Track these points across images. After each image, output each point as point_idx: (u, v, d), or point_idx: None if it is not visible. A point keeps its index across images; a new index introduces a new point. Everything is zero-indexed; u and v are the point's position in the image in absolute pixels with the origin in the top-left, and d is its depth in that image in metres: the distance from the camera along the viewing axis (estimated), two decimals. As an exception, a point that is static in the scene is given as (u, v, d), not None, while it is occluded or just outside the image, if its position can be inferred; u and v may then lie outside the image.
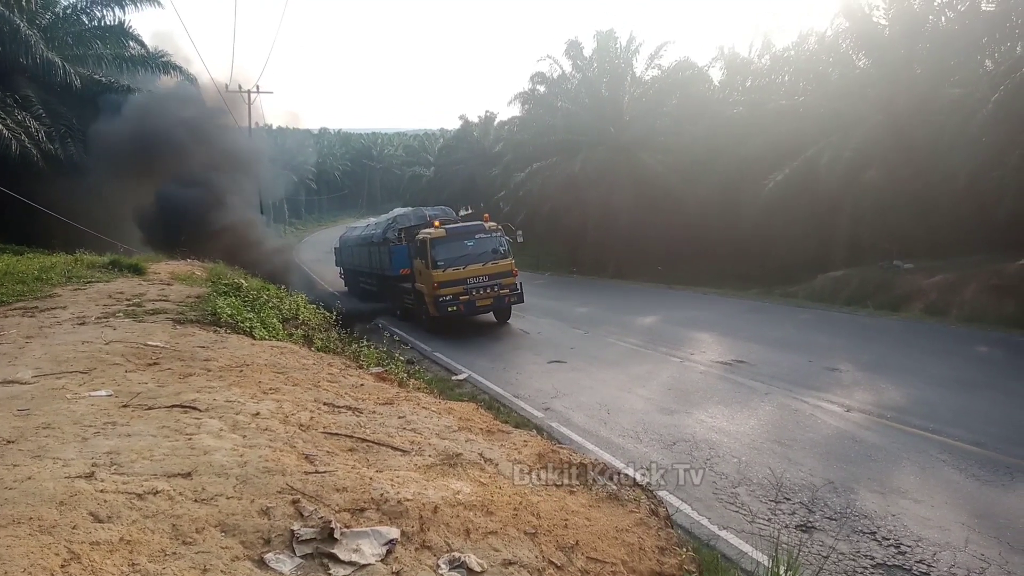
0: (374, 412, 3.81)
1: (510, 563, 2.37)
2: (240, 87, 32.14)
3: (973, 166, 16.85)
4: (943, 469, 7.19)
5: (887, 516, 6.23)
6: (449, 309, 15.98)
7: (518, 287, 16.82)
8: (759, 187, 22.18)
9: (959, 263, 16.52)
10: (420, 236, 17.08)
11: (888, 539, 5.87)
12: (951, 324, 14.56)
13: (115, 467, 2.87)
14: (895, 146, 19.42)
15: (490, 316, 17.89)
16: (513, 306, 17.41)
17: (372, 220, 27.29)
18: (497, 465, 3.24)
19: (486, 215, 17.68)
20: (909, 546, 5.73)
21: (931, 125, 18.71)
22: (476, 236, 16.63)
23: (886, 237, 19.14)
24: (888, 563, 5.53)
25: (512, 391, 11.46)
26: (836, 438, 8.26)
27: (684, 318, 17.13)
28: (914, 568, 5.43)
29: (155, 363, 4.90)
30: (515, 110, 39.18)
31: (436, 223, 17.18)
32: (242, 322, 6.54)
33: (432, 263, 16.05)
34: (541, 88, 34.07)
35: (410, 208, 22.63)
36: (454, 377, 13.00)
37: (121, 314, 7.24)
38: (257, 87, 33.50)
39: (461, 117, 55.89)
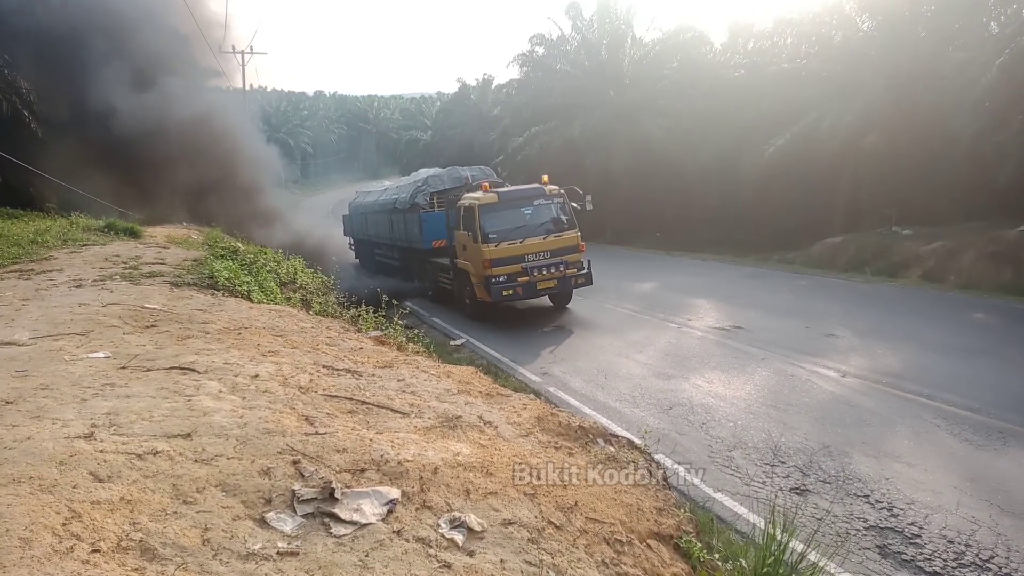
0: (373, 375, 3.81)
1: (510, 523, 2.39)
2: (233, 48, 31.59)
3: (974, 131, 16.69)
4: (937, 433, 7.26)
5: (881, 479, 6.30)
6: (504, 293, 12.98)
7: (586, 266, 13.77)
8: (759, 152, 21.98)
9: (958, 230, 16.48)
10: (465, 202, 13.95)
11: (881, 502, 5.94)
12: (948, 291, 14.58)
13: (114, 428, 2.87)
14: (896, 111, 19.19)
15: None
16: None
17: (388, 183, 23.64)
18: (496, 427, 3.25)
19: (545, 177, 14.30)
20: (902, 508, 5.80)
21: (934, 89, 18.48)
22: (535, 203, 13.61)
23: (885, 203, 19.05)
24: (881, 525, 5.61)
25: (510, 356, 11.50)
26: (831, 403, 8.33)
27: (682, 284, 17.13)
28: (906, 530, 5.51)
29: (152, 326, 4.88)
30: (513, 72, 38.59)
31: (485, 185, 14.05)
32: (239, 285, 6.51)
33: (482, 236, 13.03)
34: (540, 50, 33.48)
35: (441, 168, 18.72)
36: (452, 342, 13.03)
37: (118, 277, 7.21)
38: (251, 48, 32.95)
39: (459, 80, 55.15)
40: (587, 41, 31.68)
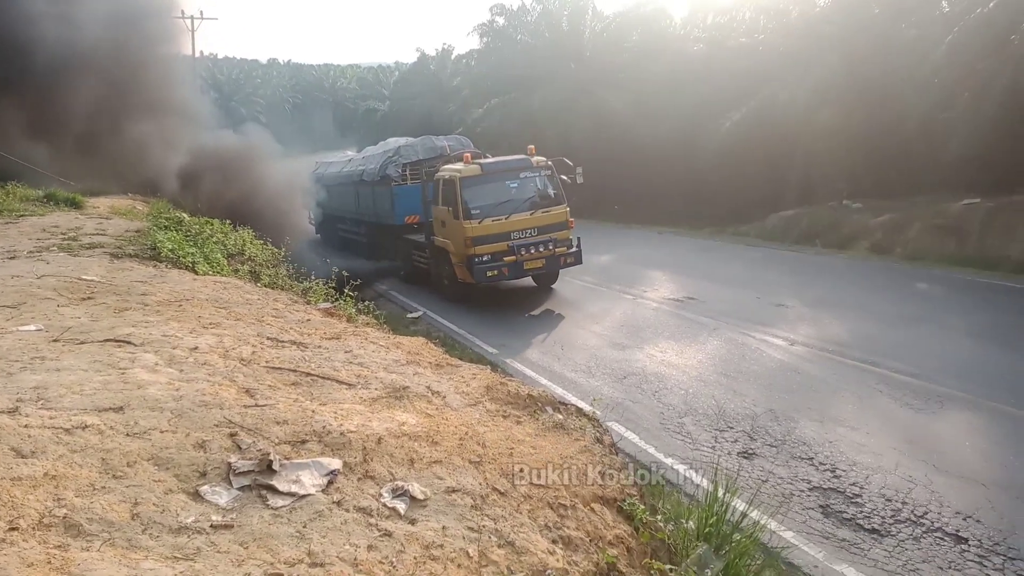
0: (320, 346, 3.74)
1: (454, 490, 2.37)
2: (183, 12, 30.33)
3: (924, 108, 17.10)
4: (879, 398, 7.52)
5: (824, 443, 6.51)
6: (488, 274, 11.92)
7: (575, 243, 12.80)
8: (717, 126, 22.16)
9: (905, 203, 16.95)
10: (444, 174, 12.90)
11: (824, 464, 6.15)
12: (895, 262, 15.03)
13: (42, 402, 2.75)
14: (850, 86, 19.51)
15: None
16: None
17: (352, 153, 21.84)
18: (445, 397, 3.22)
19: (531, 147, 13.20)
20: (844, 470, 6.02)
21: (886, 66, 18.81)
22: (521, 175, 12.58)
23: (837, 177, 19.44)
24: (824, 486, 5.81)
25: (467, 328, 11.49)
26: (779, 370, 8.54)
27: (639, 256, 17.30)
28: (848, 490, 5.71)
29: (89, 298, 4.70)
30: (473, 42, 38.04)
31: (467, 156, 12.96)
32: (184, 257, 6.31)
33: (463, 211, 11.97)
34: (500, 20, 33.01)
35: (413, 137, 17.20)
36: (409, 315, 12.95)
37: (55, 248, 6.92)
38: (200, 12, 31.71)
39: (417, 50, 54.17)
40: (548, 12, 31.35)
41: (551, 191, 12.68)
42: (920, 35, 18.23)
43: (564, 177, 12.92)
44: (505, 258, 11.98)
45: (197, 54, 37.07)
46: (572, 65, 29.96)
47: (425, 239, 13.76)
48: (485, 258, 11.94)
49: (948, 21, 17.47)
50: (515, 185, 12.49)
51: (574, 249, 12.67)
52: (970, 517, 5.16)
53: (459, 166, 12.69)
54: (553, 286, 13.58)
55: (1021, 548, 4.77)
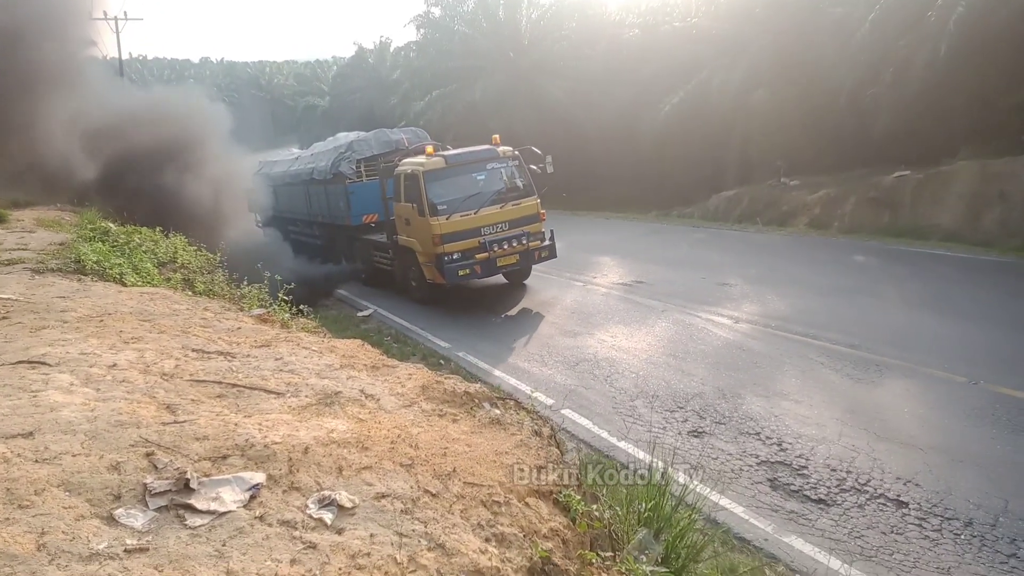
0: (248, 356, 3.60)
1: (383, 496, 2.31)
2: (105, 13, 29.10)
3: (852, 84, 17.61)
4: (821, 371, 7.73)
5: (770, 417, 6.66)
6: (460, 273, 11.19)
7: (548, 237, 12.20)
8: (656, 111, 22.44)
9: (841, 178, 17.47)
10: (406, 169, 12.02)
11: (771, 438, 6.28)
12: (832, 236, 15.49)
13: (-59, 434, 2.57)
14: (781, 66, 19.96)
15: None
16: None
17: (297, 150, 20.57)
18: (379, 400, 3.14)
19: (496, 136, 12.60)
20: (790, 443, 6.16)
21: (814, 45, 19.29)
22: (488, 166, 11.88)
23: (775, 155, 19.90)
24: (771, 460, 5.94)
25: (419, 324, 11.38)
26: (725, 348, 8.70)
27: (587, 243, 17.39)
28: (794, 462, 5.85)
29: (4, 317, 4.44)
30: (411, 34, 37.79)
31: (429, 149, 12.08)
32: (110, 269, 6.04)
33: (429, 207, 11.22)
34: (436, 11, 32.70)
35: (364, 132, 16.18)
36: (359, 313, 12.76)
37: (-31, 267, 6.53)
38: (124, 13, 30.49)
39: (355, 43, 53.50)
40: (484, 2, 31.18)
41: (520, 182, 12.02)
42: (846, 13, 18.71)
43: (533, 167, 12.31)
44: (477, 255, 11.29)
45: (125, 56, 35.71)
46: (511, 54, 29.88)
47: (387, 239, 13.01)
48: (455, 256, 11.23)
49: (871, -1, 17.99)
50: (482, 177, 11.78)
51: (547, 243, 12.08)
52: (910, 482, 5.35)
53: (421, 159, 11.88)
54: (501, 277, 13.22)
55: (957, 509, 4.96)
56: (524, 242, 11.63)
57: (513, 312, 11.59)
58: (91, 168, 13.42)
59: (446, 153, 12.15)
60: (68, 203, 14.23)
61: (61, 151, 13.34)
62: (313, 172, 15.63)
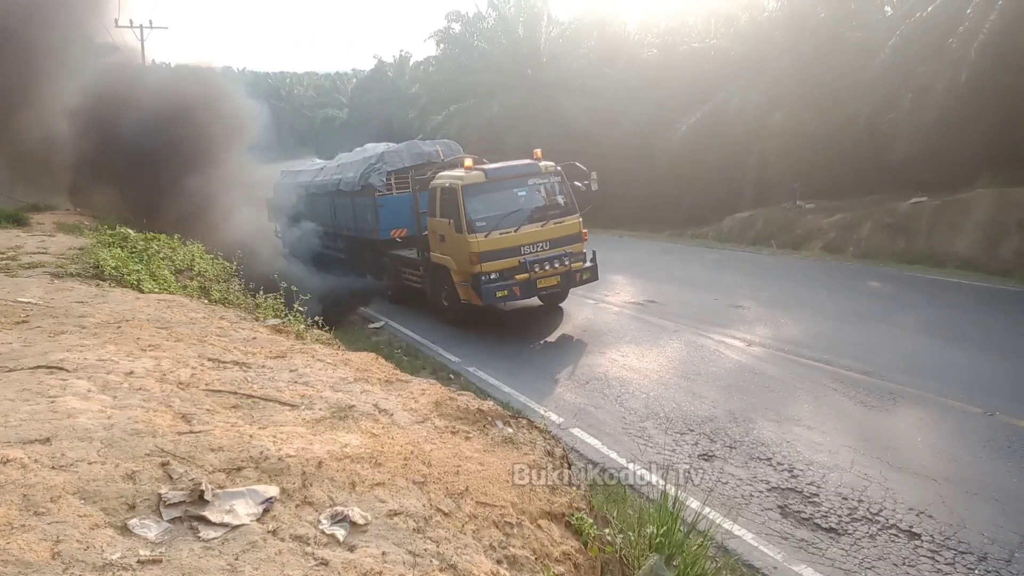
0: (263, 366, 3.62)
1: (396, 513, 2.31)
2: (131, 22, 29.63)
3: (870, 109, 17.60)
4: (834, 397, 7.65)
5: (782, 443, 6.59)
6: (498, 294, 10.63)
7: (591, 257, 11.63)
8: (673, 131, 22.48)
9: (856, 203, 17.40)
10: (443, 183, 11.41)
11: (782, 464, 6.22)
12: (847, 261, 15.39)
13: (-40, 437, 2.60)
14: (800, 89, 19.99)
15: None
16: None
17: (320, 161, 19.88)
18: (392, 415, 3.14)
19: (537, 151, 11.95)
20: (801, 470, 6.09)
21: (834, 69, 19.32)
22: (529, 182, 11.35)
23: (791, 178, 19.88)
24: (782, 486, 5.87)
25: (429, 338, 11.40)
26: (737, 371, 8.65)
27: (600, 261, 17.31)
28: (805, 489, 5.79)
29: (24, 321, 4.49)
30: (430, 49, 38.09)
31: (467, 162, 11.42)
32: (128, 275, 6.10)
33: (467, 224, 10.65)
34: (456, 27, 33.01)
35: (396, 144, 15.50)
36: (371, 325, 12.81)
37: (-9, 269, 6.62)
38: (150, 22, 31.02)
39: (375, 57, 54.09)
40: (503, 18, 31.46)
41: (561, 199, 11.44)
42: (865, 38, 18.76)
43: (577, 183, 11.79)
44: (516, 276, 10.67)
45: (149, 63, 36.26)
46: (529, 71, 30.10)
47: (419, 255, 12.43)
48: (493, 276, 10.62)
49: (891, 25, 18.03)
50: (523, 193, 11.20)
51: (589, 264, 11.50)
52: (923, 513, 5.27)
53: (459, 172, 11.24)
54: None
55: (971, 542, 4.88)
56: (566, 263, 11.02)
57: (524, 330, 11.58)
58: (111, 169, 13.33)
59: (486, 167, 11.51)
60: (87, 207, 14.39)
61: (81, 150, 13.28)
62: (340, 183, 15.12)
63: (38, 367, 3.44)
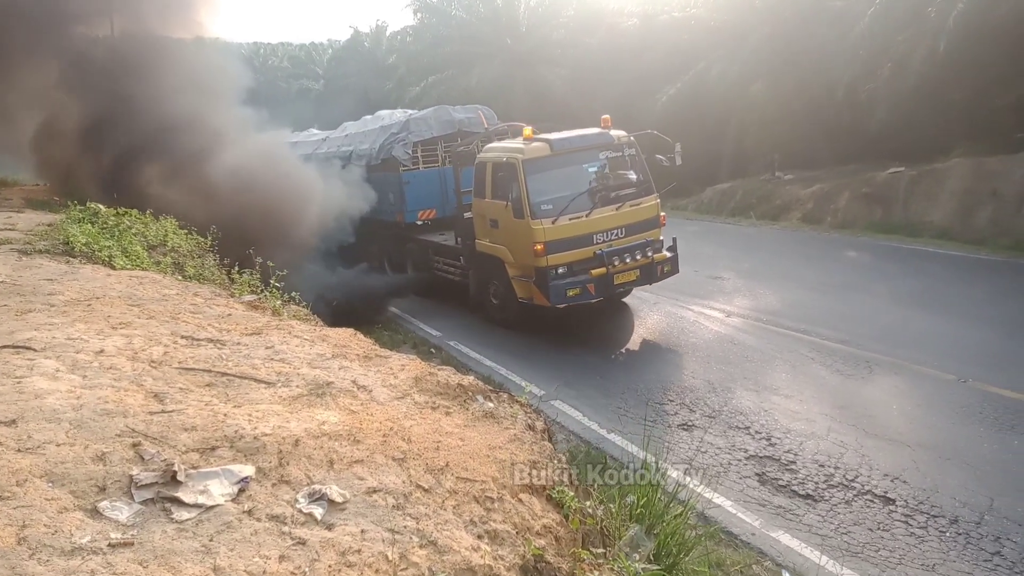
0: (239, 343, 3.56)
1: (375, 490, 2.28)
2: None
3: (850, 78, 17.57)
4: (811, 366, 7.75)
5: (760, 412, 6.67)
6: (570, 293, 8.79)
7: (671, 245, 9.92)
8: (653, 101, 22.30)
9: (834, 173, 17.47)
10: (499, 156, 9.52)
11: (760, 432, 6.30)
12: (825, 231, 15.50)
13: (-78, 420, 2.52)
14: (780, 58, 19.90)
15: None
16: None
17: (317, 131, 16.93)
18: (371, 391, 3.10)
19: (605, 117, 9.90)
20: (779, 438, 6.18)
21: (814, 37, 19.22)
22: (601, 156, 9.35)
23: (770, 149, 19.88)
24: (760, 454, 5.95)
25: (410, 312, 11.35)
26: (717, 342, 8.71)
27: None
28: (783, 457, 5.87)
29: (-11, 300, 4.37)
30: (408, 19, 37.35)
31: (527, 131, 9.44)
32: (99, 251, 5.96)
33: (528, 207, 8.81)
34: (433, -6, 32.43)
35: (422, 110, 13.24)
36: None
37: (-45, 247, 6.43)
38: (115, -11, 29.87)
39: (351, 27, 52.78)
40: (482, -14, 30.93)
41: (636, 176, 9.50)
42: (845, 7, 18.65)
43: (660, 157, 10.13)
44: (592, 270, 8.90)
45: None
46: (508, 40, 29.68)
47: (459, 243, 10.54)
48: (562, 270, 8.85)
49: (871, -7, 17.91)
50: (595, 169, 9.23)
51: (670, 255, 9.74)
52: (897, 479, 5.37)
53: (518, 143, 9.36)
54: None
55: (943, 506, 4.99)
56: (649, 254, 9.26)
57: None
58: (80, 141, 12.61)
59: (550, 137, 9.44)
60: (57, 180, 13.96)
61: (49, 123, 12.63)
62: (351, 156, 12.87)
63: (3, 347, 3.34)
